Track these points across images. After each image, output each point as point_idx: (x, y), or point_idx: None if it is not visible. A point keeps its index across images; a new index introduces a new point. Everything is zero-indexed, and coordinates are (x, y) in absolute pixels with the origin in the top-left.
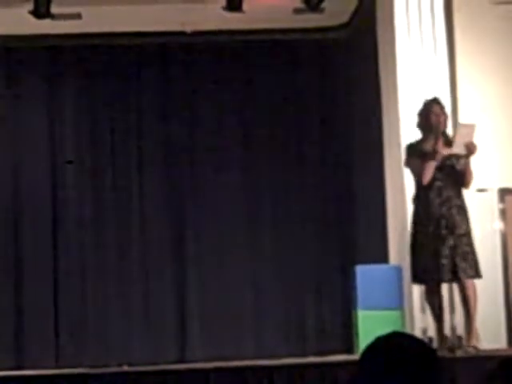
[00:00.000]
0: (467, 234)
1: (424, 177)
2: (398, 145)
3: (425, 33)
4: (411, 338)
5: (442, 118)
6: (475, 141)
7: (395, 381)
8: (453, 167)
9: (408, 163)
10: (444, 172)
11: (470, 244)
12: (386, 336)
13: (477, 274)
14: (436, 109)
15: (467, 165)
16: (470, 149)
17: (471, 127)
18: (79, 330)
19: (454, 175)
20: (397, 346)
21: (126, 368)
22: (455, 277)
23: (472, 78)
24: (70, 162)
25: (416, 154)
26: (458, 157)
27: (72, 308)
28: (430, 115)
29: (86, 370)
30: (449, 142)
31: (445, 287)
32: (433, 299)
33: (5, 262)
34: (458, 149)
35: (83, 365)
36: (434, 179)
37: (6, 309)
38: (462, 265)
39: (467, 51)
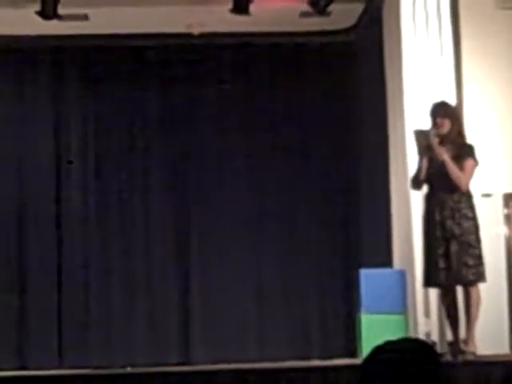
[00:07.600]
0: (471, 237)
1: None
2: (404, 147)
3: (431, 36)
4: (414, 342)
5: (440, 122)
6: (435, 144)
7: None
8: (441, 171)
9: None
10: (436, 176)
11: (474, 247)
12: (387, 343)
13: (480, 278)
14: (435, 112)
15: (450, 168)
16: (431, 152)
17: (425, 132)
18: (82, 331)
19: (443, 179)
20: (399, 350)
21: (129, 369)
22: (458, 281)
23: (478, 81)
24: (70, 162)
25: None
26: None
27: (75, 309)
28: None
29: (89, 371)
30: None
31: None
32: (446, 302)
33: (8, 261)
34: (419, 154)
35: (86, 366)
36: (432, 182)
37: (10, 309)
38: (463, 269)
39: (473, 54)
